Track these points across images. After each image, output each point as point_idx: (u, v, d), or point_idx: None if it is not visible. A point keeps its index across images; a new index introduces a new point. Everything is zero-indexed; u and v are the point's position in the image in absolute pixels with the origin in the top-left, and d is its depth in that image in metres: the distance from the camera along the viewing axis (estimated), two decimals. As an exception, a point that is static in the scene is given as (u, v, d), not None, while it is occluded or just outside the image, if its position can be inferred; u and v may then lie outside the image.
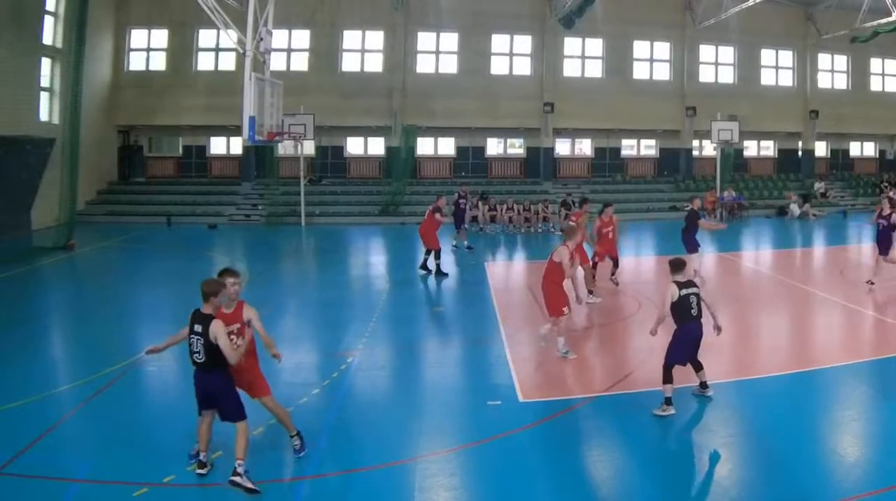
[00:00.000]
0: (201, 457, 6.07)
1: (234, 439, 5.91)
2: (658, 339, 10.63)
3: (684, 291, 7.59)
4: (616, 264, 13.94)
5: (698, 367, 7.86)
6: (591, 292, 12.79)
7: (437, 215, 15.77)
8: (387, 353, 10.17)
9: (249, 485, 5.72)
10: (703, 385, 7.87)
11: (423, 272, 15.74)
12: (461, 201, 19.65)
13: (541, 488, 6.02)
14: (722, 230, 18.16)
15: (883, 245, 13.97)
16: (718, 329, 7.90)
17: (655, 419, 7.43)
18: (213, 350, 5.77)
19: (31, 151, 21.57)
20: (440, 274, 15.51)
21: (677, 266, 7.82)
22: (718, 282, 16.21)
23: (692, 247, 13.73)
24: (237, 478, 5.73)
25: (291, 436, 6.47)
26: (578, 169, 31.92)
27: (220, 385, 5.91)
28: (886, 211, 14.08)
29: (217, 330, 5.75)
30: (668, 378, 7.48)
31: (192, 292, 14.59)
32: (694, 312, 7.59)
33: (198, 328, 5.82)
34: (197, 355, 5.84)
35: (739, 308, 12.65)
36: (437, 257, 15.62)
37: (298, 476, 6.27)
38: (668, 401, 7.40)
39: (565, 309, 9.41)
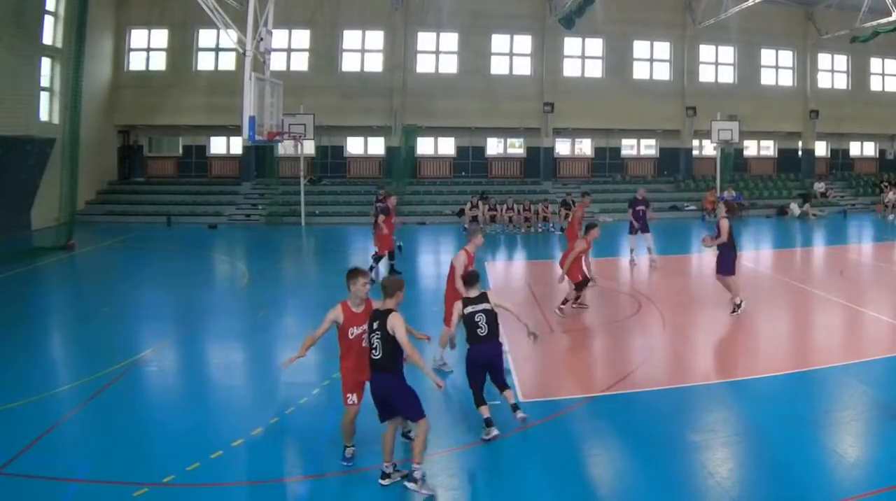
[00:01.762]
0: (384, 468, 5.94)
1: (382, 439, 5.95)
2: (659, 339, 10.71)
3: (469, 309, 6.92)
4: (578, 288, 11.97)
5: (502, 387, 7.07)
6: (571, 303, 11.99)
7: (381, 218, 14.74)
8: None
9: (426, 493, 5.61)
10: (514, 407, 6.91)
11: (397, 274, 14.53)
12: (379, 205, 17.17)
13: (541, 488, 6.02)
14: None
15: (727, 263, 11.94)
16: (533, 335, 7.27)
17: (655, 418, 7.43)
18: (390, 345, 5.76)
19: (31, 151, 21.58)
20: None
21: (470, 280, 7.21)
22: (718, 282, 16.22)
23: (631, 229, 17.03)
24: (412, 484, 5.67)
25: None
26: (578, 169, 31.92)
27: (394, 383, 5.84)
28: (719, 211, 12.36)
29: (395, 322, 5.77)
30: (477, 401, 6.91)
31: (192, 291, 14.62)
32: (482, 332, 6.86)
33: (375, 324, 5.85)
34: (374, 352, 5.82)
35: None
36: (377, 261, 14.86)
37: (299, 476, 6.28)
38: (488, 423, 6.74)
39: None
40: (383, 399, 5.90)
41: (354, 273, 6.32)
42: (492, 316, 6.95)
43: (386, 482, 5.88)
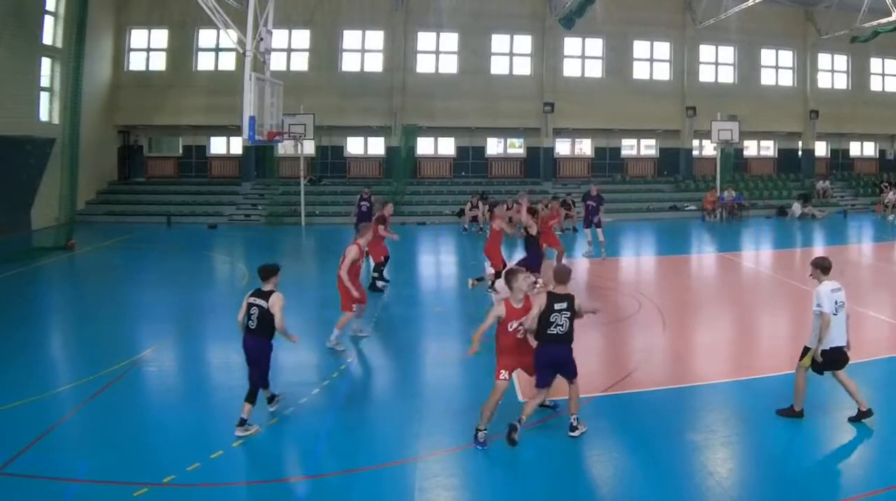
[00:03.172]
0: (573, 421, 6.93)
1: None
2: (659, 339, 10.71)
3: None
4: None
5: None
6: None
7: (381, 227, 13.84)
8: (387, 353, 10.17)
9: (581, 430, 6.86)
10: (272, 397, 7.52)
11: (382, 284, 14.10)
12: (363, 204, 16.55)
13: (541, 488, 6.02)
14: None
15: (534, 260, 12.24)
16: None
17: (656, 418, 7.43)
18: (573, 321, 6.78)
19: (31, 151, 21.57)
20: (376, 288, 13.82)
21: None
22: (718, 282, 16.26)
23: (586, 223, 18.21)
24: (574, 432, 6.82)
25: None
26: (578, 169, 31.91)
27: (571, 353, 6.87)
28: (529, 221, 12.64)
29: (579, 301, 6.86)
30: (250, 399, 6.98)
31: (192, 291, 14.60)
32: (251, 324, 7.14)
33: (561, 305, 6.72)
34: (561, 327, 6.72)
35: (739, 307, 12.66)
36: (379, 271, 14.08)
37: (298, 476, 6.28)
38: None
39: (354, 307, 9.94)
40: (559, 367, 6.85)
41: (513, 272, 7.01)
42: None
43: (576, 433, 6.87)
